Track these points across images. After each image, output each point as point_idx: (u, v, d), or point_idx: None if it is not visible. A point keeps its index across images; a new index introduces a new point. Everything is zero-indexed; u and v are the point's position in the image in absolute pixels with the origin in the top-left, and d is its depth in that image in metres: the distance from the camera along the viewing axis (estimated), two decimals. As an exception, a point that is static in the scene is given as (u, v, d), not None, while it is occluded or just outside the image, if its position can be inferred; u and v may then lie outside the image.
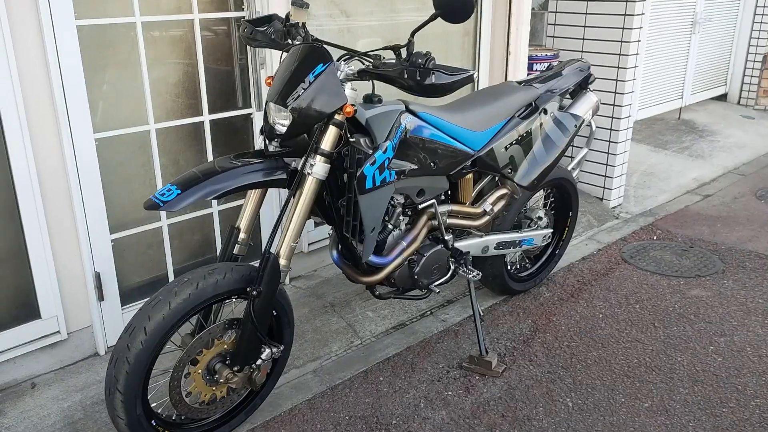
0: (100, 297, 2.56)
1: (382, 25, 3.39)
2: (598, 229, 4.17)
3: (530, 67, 4.23)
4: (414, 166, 2.33)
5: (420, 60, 1.97)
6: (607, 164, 4.33)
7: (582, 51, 4.24)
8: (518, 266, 3.31)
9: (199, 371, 2.09)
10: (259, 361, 2.20)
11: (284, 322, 2.28)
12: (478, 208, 2.71)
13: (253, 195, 2.22)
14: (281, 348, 2.29)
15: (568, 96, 2.97)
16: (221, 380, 2.11)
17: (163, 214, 2.72)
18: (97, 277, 2.54)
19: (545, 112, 2.79)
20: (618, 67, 4.06)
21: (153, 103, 2.60)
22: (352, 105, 2.02)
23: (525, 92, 2.74)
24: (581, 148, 3.38)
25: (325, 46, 2.09)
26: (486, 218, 2.74)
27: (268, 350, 2.22)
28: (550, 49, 4.36)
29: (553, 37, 4.43)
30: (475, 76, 2.07)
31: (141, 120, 2.60)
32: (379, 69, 2.01)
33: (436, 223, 2.54)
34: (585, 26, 4.19)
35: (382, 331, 2.98)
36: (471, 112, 2.58)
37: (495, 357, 2.67)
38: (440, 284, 2.67)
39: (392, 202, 2.37)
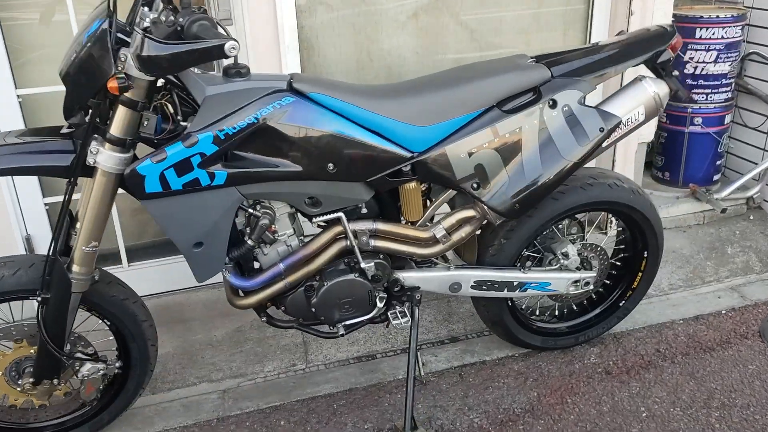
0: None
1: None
2: (758, 276, 2.85)
3: (691, 33, 3.00)
4: (294, 167, 1.70)
5: (181, 19, 1.36)
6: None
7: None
8: (549, 313, 2.39)
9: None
10: (80, 375, 1.88)
11: (127, 335, 1.91)
12: (426, 231, 1.94)
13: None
14: (115, 365, 1.94)
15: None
16: (20, 389, 1.84)
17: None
18: (28, 240, 2.43)
19: (553, 104, 1.85)
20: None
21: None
22: (121, 78, 1.48)
23: (520, 73, 1.84)
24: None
25: None
26: (438, 247, 1.96)
27: (91, 365, 1.88)
28: (735, 3, 3.02)
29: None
30: (230, 46, 1.38)
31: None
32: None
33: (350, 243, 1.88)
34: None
35: (338, 360, 2.40)
36: (414, 97, 1.81)
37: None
38: (360, 324, 2.01)
39: (256, 212, 1.78)
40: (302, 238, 1.91)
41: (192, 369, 2.38)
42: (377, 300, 1.97)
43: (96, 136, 1.57)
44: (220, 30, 1.50)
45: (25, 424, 1.98)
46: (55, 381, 1.84)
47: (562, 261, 2.14)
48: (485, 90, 1.82)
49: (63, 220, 1.64)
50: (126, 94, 1.52)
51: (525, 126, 1.84)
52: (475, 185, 1.86)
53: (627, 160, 2.92)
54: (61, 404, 1.97)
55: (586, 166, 1.97)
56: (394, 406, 2.15)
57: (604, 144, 1.91)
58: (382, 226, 1.90)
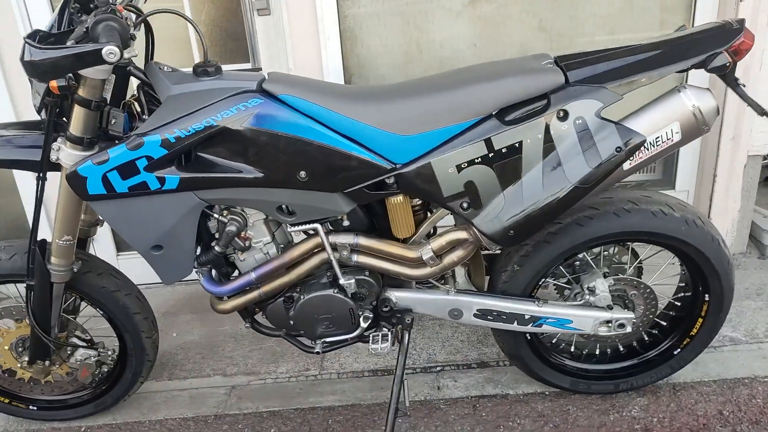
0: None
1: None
2: None
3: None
4: (260, 174, 1.60)
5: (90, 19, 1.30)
6: None
7: None
8: (587, 352, 2.06)
9: (6, 346, 1.96)
10: (73, 360, 1.96)
11: (120, 326, 1.94)
12: (414, 251, 1.73)
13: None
14: (107, 353, 1.99)
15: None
16: (20, 365, 1.95)
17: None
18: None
19: (564, 115, 1.54)
20: None
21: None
22: (61, 80, 1.45)
23: (526, 78, 1.55)
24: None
25: None
26: (427, 270, 1.75)
27: (84, 351, 1.95)
28: None
29: None
30: (107, 51, 1.26)
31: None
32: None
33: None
34: None
35: (353, 370, 2.28)
36: (398, 103, 1.60)
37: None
38: (342, 344, 1.87)
39: (223, 218, 1.70)
40: (282, 246, 1.80)
41: (210, 360, 2.39)
42: (361, 319, 1.81)
43: (62, 133, 1.58)
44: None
45: (34, 397, 2.11)
46: (47, 363, 1.92)
47: (587, 296, 1.82)
48: (481, 96, 1.56)
49: (38, 213, 1.68)
50: (80, 93, 1.50)
51: (527, 140, 1.56)
52: (464, 205, 1.62)
53: (733, 176, 2.43)
54: (66, 383, 2.06)
55: (630, 186, 1.65)
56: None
57: (626, 167, 1.56)
58: (364, 241, 1.73)
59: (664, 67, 1.51)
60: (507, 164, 1.58)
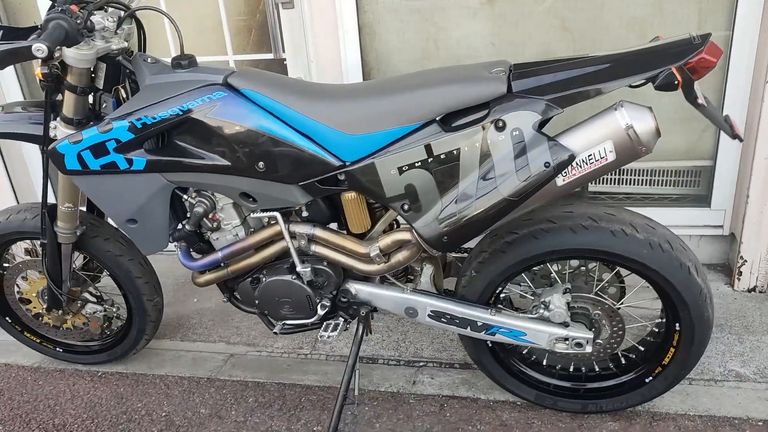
0: None
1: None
2: None
3: None
4: (222, 161, 1.73)
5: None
6: None
7: None
8: (560, 366, 2.01)
9: (33, 293, 2.25)
10: (84, 312, 2.23)
11: (123, 287, 2.17)
12: (364, 247, 1.79)
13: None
14: (113, 309, 2.24)
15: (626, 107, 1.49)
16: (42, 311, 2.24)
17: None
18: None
19: (502, 125, 1.51)
20: None
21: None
22: (43, 66, 1.65)
23: (467, 85, 1.53)
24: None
25: None
26: (375, 267, 1.79)
27: (91, 306, 2.21)
28: None
29: None
30: (35, 48, 1.39)
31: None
32: None
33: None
34: None
35: (341, 354, 2.37)
36: (350, 102, 1.65)
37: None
38: (301, 328, 1.96)
39: (191, 200, 1.84)
40: (252, 230, 1.92)
41: (219, 328, 2.59)
42: (318, 307, 1.89)
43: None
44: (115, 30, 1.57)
45: (60, 340, 2.41)
46: (60, 312, 2.19)
47: (542, 310, 1.78)
48: (424, 101, 1.57)
49: (46, 181, 1.92)
50: (68, 80, 1.70)
51: (465, 148, 1.55)
52: (405, 207, 1.65)
53: (767, 198, 2.22)
54: (82, 332, 2.33)
55: (598, 202, 1.60)
56: (355, 417, 2.07)
57: (560, 183, 1.51)
58: (320, 232, 1.81)
59: (610, 82, 1.43)
60: (445, 170, 1.58)
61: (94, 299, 2.23)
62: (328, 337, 1.86)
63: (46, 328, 2.35)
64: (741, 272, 2.37)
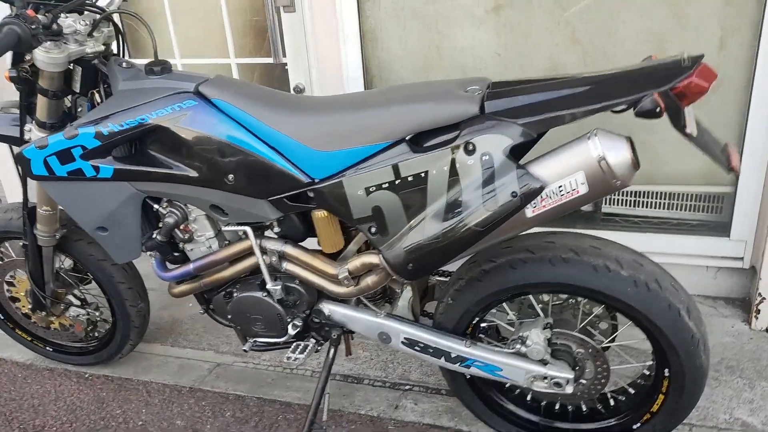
0: None
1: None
2: None
3: None
4: (190, 172, 1.67)
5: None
6: None
7: None
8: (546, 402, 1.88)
9: (22, 292, 2.26)
10: (68, 315, 2.22)
11: (109, 292, 2.15)
12: (334, 268, 1.70)
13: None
14: (95, 313, 2.22)
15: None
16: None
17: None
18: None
19: (472, 148, 1.40)
20: None
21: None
22: (11, 69, 1.63)
23: (438, 105, 1.42)
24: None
25: None
26: (344, 289, 1.70)
27: (74, 309, 2.21)
28: None
29: None
30: None
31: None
32: None
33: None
34: None
35: (318, 371, 2.30)
36: (320, 117, 1.57)
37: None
38: (271, 347, 1.90)
39: (162, 210, 1.79)
40: (227, 243, 1.86)
41: (210, 335, 2.55)
42: (289, 326, 1.82)
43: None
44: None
45: (50, 340, 2.41)
46: (44, 314, 2.19)
47: (521, 348, 1.66)
48: (394, 119, 1.48)
49: (25, 182, 1.91)
50: (39, 83, 1.67)
51: (433, 170, 1.45)
52: (373, 229, 1.55)
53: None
54: (68, 334, 2.33)
55: (584, 232, 1.50)
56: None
57: (530, 214, 1.39)
58: (290, 249, 1.74)
59: (585, 107, 1.31)
60: (412, 193, 1.48)
61: (78, 302, 2.22)
62: (295, 359, 1.79)
63: (35, 327, 2.35)
64: (759, 310, 2.19)
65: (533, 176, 1.34)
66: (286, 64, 2.43)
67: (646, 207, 2.50)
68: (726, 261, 2.29)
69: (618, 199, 2.52)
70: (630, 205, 2.51)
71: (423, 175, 1.46)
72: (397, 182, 1.49)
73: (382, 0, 2.26)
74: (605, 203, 2.54)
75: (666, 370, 1.60)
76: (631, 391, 1.77)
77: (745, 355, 2.15)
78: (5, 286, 2.26)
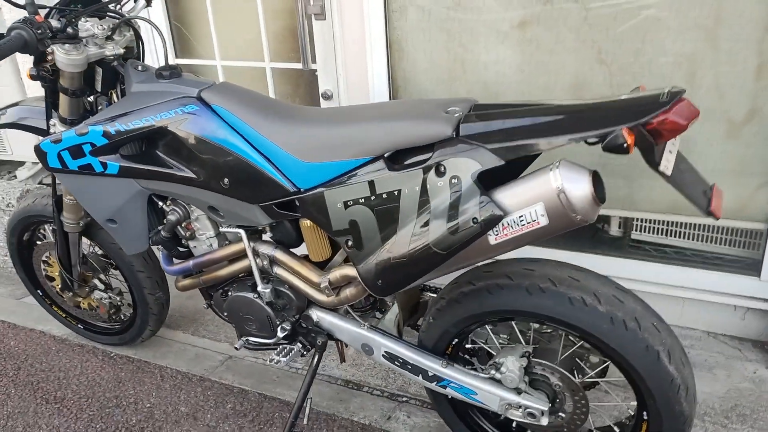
0: None
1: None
2: None
3: None
4: (190, 174, 1.75)
5: None
6: None
7: None
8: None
9: (56, 272, 2.43)
10: (93, 297, 2.36)
11: (128, 279, 2.28)
12: (318, 276, 1.73)
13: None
14: (117, 298, 2.35)
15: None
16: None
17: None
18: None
19: (443, 170, 1.39)
20: None
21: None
22: (32, 68, 1.75)
23: (414, 124, 1.42)
24: None
25: None
26: (328, 299, 1.73)
27: (98, 293, 2.35)
28: None
29: None
30: None
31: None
32: None
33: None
34: None
35: (330, 375, 2.34)
36: (307, 128, 1.60)
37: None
38: (261, 347, 1.94)
39: (166, 207, 1.87)
40: (227, 243, 1.92)
41: (228, 328, 2.64)
42: (278, 329, 1.87)
43: None
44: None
45: (83, 318, 2.58)
46: (71, 294, 2.34)
47: (496, 374, 1.62)
48: (373, 136, 1.49)
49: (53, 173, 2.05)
50: (61, 83, 1.79)
51: (405, 189, 1.45)
52: (349, 243, 1.57)
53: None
54: (94, 314, 2.48)
55: (566, 261, 1.47)
56: (316, 443, 2.04)
57: (493, 242, 1.36)
58: (280, 255, 1.78)
59: (553, 137, 1.27)
60: (386, 210, 1.49)
61: (102, 286, 2.36)
62: (277, 362, 1.83)
63: (67, 305, 2.52)
64: (785, 357, 2.04)
65: (495, 204, 1.31)
66: (315, 70, 2.48)
67: (680, 237, 2.37)
68: (755, 302, 2.14)
69: (648, 227, 2.40)
70: (663, 234, 2.40)
71: (396, 193, 1.46)
72: (372, 198, 1.49)
73: (409, 11, 2.26)
74: (635, 230, 2.43)
75: (645, 413, 1.53)
76: (616, 430, 1.70)
77: (762, 405, 2.01)
78: (42, 266, 2.43)
